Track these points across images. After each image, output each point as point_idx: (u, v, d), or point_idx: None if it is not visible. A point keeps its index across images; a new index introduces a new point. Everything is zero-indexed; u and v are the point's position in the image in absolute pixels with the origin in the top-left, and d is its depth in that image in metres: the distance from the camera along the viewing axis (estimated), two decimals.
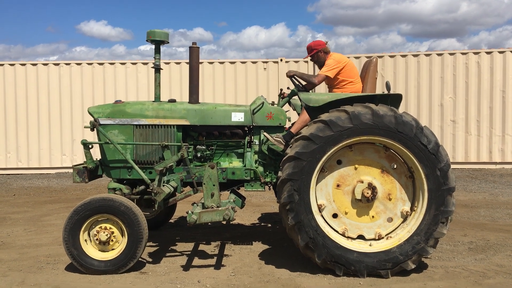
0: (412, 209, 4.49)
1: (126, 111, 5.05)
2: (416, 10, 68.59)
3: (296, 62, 12.40)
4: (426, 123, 11.70)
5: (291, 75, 5.14)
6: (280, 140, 4.91)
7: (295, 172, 4.30)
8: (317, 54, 5.32)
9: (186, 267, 4.71)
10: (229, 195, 5.02)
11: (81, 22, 73.55)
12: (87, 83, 12.34)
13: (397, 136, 4.29)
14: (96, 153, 5.10)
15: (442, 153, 4.31)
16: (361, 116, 4.28)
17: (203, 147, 5.17)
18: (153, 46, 5.21)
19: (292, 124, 5.21)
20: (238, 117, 5.09)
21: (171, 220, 6.60)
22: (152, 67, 5.30)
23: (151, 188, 4.61)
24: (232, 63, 12.49)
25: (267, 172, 5.15)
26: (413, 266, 4.37)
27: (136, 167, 4.81)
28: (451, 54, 11.94)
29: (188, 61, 5.31)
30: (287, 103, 5.50)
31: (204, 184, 4.47)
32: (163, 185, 4.69)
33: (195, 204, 4.54)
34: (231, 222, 5.35)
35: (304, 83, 5.16)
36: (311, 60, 5.50)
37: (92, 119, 5.02)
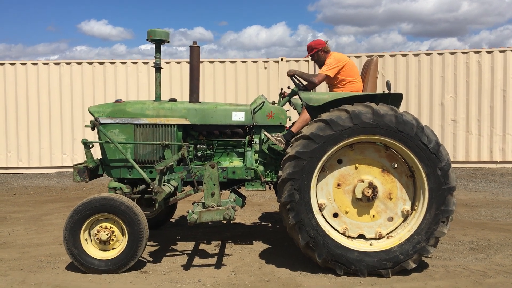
0: (412, 208, 4.49)
1: (126, 110, 5.05)
2: (416, 9, 68.59)
3: (296, 61, 12.39)
4: (426, 122, 11.69)
5: (291, 75, 5.14)
6: (281, 139, 4.91)
7: (296, 172, 4.30)
8: (317, 54, 5.32)
9: (187, 266, 4.71)
10: (229, 194, 5.02)
11: (82, 22, 73.55)
12: (88, 83, 12.35)
13: (398, 136, 4.29)
14: (96, 153, 5.10)
15: (442, 153, 4.30)
16: (362, 116, 4.28)
17: (204, 147, 5.17)
18: (154, 46, 5.22)
19: (293, 123, 5.21)
20: (238, 117, 5.09)
21: (171, 220, 6.60)
22: (152, 67, 5.30)
23: (151, 187, 4.61)
24: (232, 62, 12.49)
25: (268, 172, 5.15)
26: (413, 266, 4.37)
27: (136, 166, 4.81)
28: (452, 53, 11.93)
29: (188, 60, 5.31)
30: (287, 103, 5.50)
31: (204, 183, 4.47)
32: (164, 185, 4.69)
33: (195, 204, 4.54)
34: (231, 222, 5.37)
35: (304, 82, 5.16)
36: (311, 59, 5.50)
37: (92, 118, 5.02)
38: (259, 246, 5.43)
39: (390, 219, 4.53)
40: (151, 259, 4.96)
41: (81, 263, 4.41)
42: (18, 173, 12.11)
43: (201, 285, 4.20)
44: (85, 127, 5.61)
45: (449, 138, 11.90)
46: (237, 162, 5.21)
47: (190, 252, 5.22)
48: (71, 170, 10.45)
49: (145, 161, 5.07)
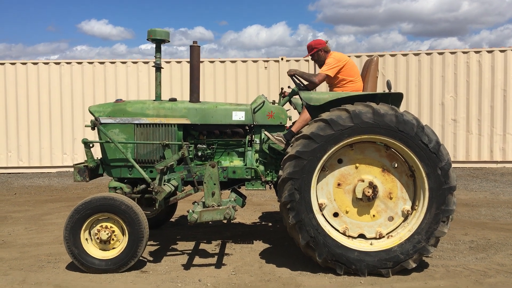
0: (413, 208, 4.49)
1: (127, 110, 5.06)
2: (417, 9, 68.52)
3: (297, 61, 12.39)
4: (427, 122, 11.68)
5: (291, 74, 5.14)
6: (281, 139, 4.91)
7: (296, 171, 4.30)
8: (318, 53, 5.32)
9: (187, 266, 4.71)
10: (229, 194, 5.02)
11: (82, 21, 73.54)
12: (88, 82, 12.35)
13: (398, 135, 4.29)
14: (97, 152, 5.10)
15: (443, 152, 4.30)
16: (362, 115, 4.28)
17: (204, 146, 5.17)
18: (154, 45, 5.22)
19: (293, 123, 5.21)
20: (239, 116, 5.09)
21: (171, 219, 6.60)
22: (153, 66, 5.30)
23: (152, 187, 4.60)
24: (233, 62, 12.49)
25: (268, 171, 5.15)
26: (414, 265, 4.37)
27: (137, 166, 4.81)
28: (452, 53, 11.93)
29: (189, 60, 5.31)
30: (288, 102, 5.50)
31: (205, 183, 4.46)
32: (164, 184, 4.69)
33: (196, 203, 4.54)
34: (232, 221, 5.36)
35: (305, 82, 5.16)
36: (311, 59, 5.51)
37: (93, 118, 5.02)
38: (260, 245, 5.43)
39: (391, 218, 4.53)
40: (151, 258, 4.96)
41: (81, 262, 4.41)
42: (19, 173, 12.12)
43: (202, 284, 4.20)
44: (85, 126, 5.61)
45: (449, 138, 11.89)
46: (237, 162, 5.21)
47: (190, 251, 5.22)
48: (72, 169, 10.42)
49: (145, 160, 5.08)
